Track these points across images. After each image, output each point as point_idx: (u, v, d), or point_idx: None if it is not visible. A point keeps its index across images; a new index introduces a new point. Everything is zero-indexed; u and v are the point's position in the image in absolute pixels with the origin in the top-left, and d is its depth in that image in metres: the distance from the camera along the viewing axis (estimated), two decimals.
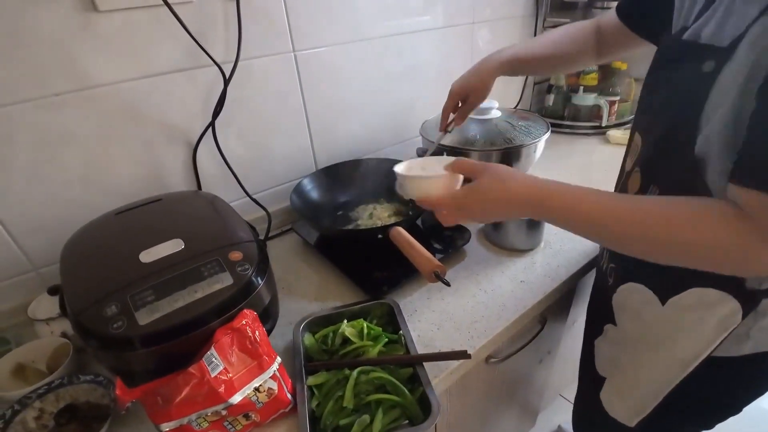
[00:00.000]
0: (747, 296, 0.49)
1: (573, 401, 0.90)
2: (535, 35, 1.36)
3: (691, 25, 0.50)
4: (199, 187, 0.86)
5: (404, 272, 0.75)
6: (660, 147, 0.53)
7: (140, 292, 0.51)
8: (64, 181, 0.72)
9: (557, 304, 0.83)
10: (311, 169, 1.02)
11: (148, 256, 0.55)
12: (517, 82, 1.41)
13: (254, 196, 0.92)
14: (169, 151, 0.81)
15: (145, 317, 0.49)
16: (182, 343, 0.50)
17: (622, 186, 0.63)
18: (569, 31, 0.78)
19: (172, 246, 0.57)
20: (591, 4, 1.29)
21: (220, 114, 0.81)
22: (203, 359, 0.49)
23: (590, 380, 0.73)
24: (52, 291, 0.69)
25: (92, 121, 0.71)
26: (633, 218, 0.44)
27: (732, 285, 0.49)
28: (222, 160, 0.85)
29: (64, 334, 0.67)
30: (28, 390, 0.58)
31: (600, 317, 0.70)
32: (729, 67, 0.42)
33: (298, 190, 0.89)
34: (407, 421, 0.54)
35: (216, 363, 0.50)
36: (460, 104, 0.82)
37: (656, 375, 0.60)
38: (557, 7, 1.34)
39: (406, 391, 0.56)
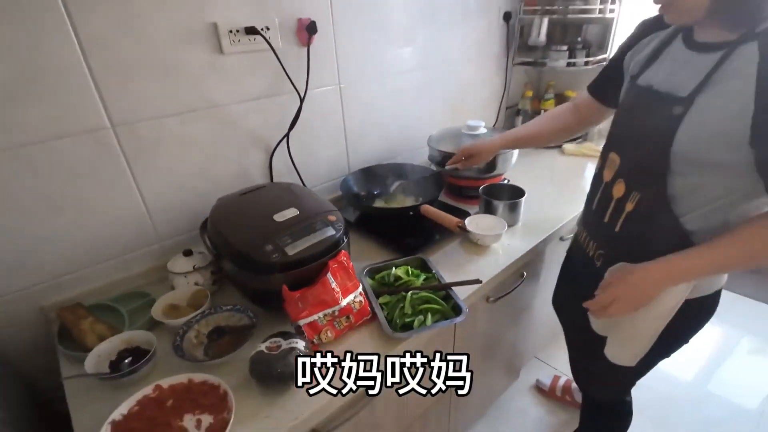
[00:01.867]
0: None
1: (549, 362, 1.20)
2: (506, 71, 1.76)
3: (640, 73, 0.77)
4: (271, 180, 1.16)
5: (426, 238, 1.08)
6: (638, 164, 0.75)
7: (283, 237, 0.81)
8: (189, 173, 1.01)
9: (531, 265, 1.18)
10: (345, 171, 1.34)
11: (279, 217, 0.85)
12: (495, 106, 1.80)
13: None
14: (255, 154, 1.11)
15: (290, 251, 0.79)
16: (310, 269, 0.80)
17: (603, 192, 0.84)
18: (553, 115, 1.09)
19: (292, 212, 0.87)
20: (547, 47, 1.69)
21: (294, 127, 1.12)
22: (327, 276, 0.80)
23: (589, 341, 0.92)
24: (186, 253, 0.96)
25: (210, 130, 1.01)
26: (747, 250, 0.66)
27: None
28: (290, 162, 1.16)
29: (196, 284, 0.95)
30: (187, 318, 0.84)
31: (589, 292, 0.81)
32: (694, 109, 0.65)
33: (345, 182, 1.21)
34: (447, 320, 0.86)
35: (331, 281, 0.81)
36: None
37: (651, 324, 0.79)
38: (523, 49, 1.75)
39: (443, 302, 0.88)
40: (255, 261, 0.78)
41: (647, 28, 0.83)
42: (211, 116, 0.99)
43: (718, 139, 0.64)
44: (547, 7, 1.57)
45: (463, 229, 0.95)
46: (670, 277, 0.72)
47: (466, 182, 1.32)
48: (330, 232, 0.85)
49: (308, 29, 1.06)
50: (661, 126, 0.70)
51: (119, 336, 0.79)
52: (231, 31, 0.95)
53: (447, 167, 1.19)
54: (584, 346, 0.99)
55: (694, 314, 0.82)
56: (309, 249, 0.81)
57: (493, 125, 1.82)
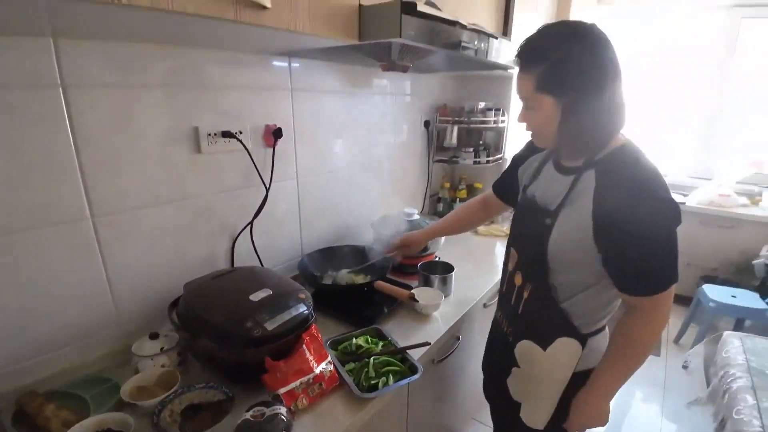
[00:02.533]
0: (582, 338, 0.91)
1: (485, 422, 1.34)
2: (428, 167, 2.12)
3: (528, 185, 1.00)
4: (233, 265, 1.25)
5: (377, 311, 1.23)
6: (529, 261, 0.94)
7: (261, 314, 0.91)
8: (159, 259, 1.07)
9: (464, 329, 1.38)
10: (299, 253, 1.47)
11: (254, 297, 0.95)
12: (421, 195, 2.12)
13: None
14: (220, 240, 1.21)
15: (270, 326, 0.89)
16: (287, 342, 0.90)
17: (509, 279, 1.03)
18: (466, 209, 1.36)
19: (265, 292, 0.98)
20: (458, 148, 2.09)
21: (257, 216, 1.25)
22: (303, 347, 0.90)
23: (508, 406, 1.06)
24: (152, 336, 0.99)
25: (183, 220, 1.10)
26: (634, 358, 0.87)
27: (575, 333, 0.91)
28: (251, 246, 1.27)
29: (163, 365, 0.97)
30: (161, 397, 0.86)
31: (506, 363, 1.03)
32: (558, 221, 0.85)
33: (302, 262, 1.34)
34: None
35: (306, 351, 0.91)
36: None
37: (549, 392, 0.97)
38: (440, 149, 2.14)
39: (401, 364, 1.02)
40: (237, 337, 0.87)
41: (533, 148, 1.08)
42: (186, 207, 1.10)
43: (574, 244, 0.84)
44: (456, 118, 1.99)
45: (413, 299, 1.13)
46: (607, 394, 0.93)
47: (405, 261, 1.53)
48: (302, 308, 0.97)
49: (274, 134, 1.26)
50: (539, 233, 0.89)
51: (92, 419, 0.79)
52: (209, 134, 1.10)
53: (387, 255, 1.41)
54: (505, 410, 1.11)
55: (584, 383, 0.96)
56: (285, 324, 0.92)
57: (421, 211, 2.12)
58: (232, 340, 0.87)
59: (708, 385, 1.79)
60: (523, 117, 0.90)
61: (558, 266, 0.90)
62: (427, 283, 1.39)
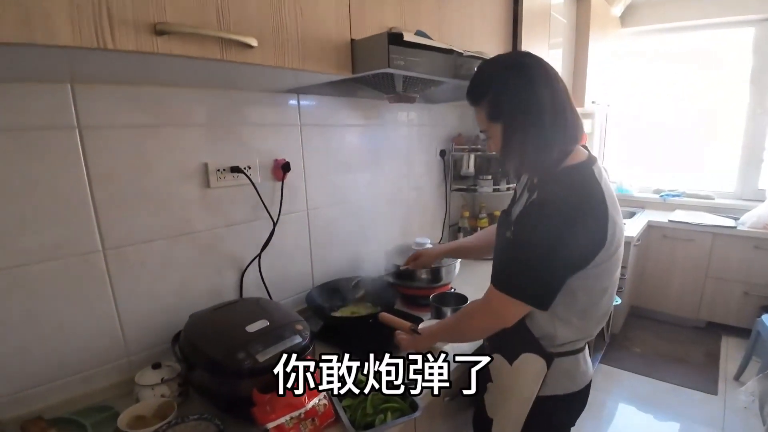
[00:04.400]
0: (547, 357, 0.91)
1: None
2: (446, 197, 2.09)
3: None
4: (241, 296, 1.27)
5: (386, 345, 1.19)
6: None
7: (255, 345, 0.90)
8: (167, 291, 1.10)
9: None
10: (309, 285, 1.47)
11: (250, 328, 0.95)
12: (439, 225, 2.09)
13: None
14: (228, 272, 1.24)
15: (261, 357, 0.88)
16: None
17: None
18: (489, 232, 1.34)
19: (262, 323, 0.97)
20: (476, 177, 2.06)
21: (266, 249, 1.28)
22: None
23: (483, 422, 1.06)
24: (155, 366, 1.01)
25: (191, 253, 1.14)
26: (458, 325, 1.01)
27: (539, 350, 0.91)
28: (259, 278, 1.29)
29: (162, 396, 0.97)
30: (155, 427, 0.87)
31: (484, 378, 1.04)
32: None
33: (310, 295, 1.33)
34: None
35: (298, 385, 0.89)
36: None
37: (516, 410, 0.96)
38: (458, 178, 2.11)
39: (401, 401, 0.96)
40: (228, 368, 0.86)
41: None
42: (194, 240, 1.14)
43: None
44: (472, 146, 1.98)
45: (416, 332, 1.09)
46: (432, 336, 1.07)
47: (418, 292, 1.49)
48: (297, 339, 0.96)
49: (283, 168, 1.30)
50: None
51: None
52: (218, 170, 1.16)
53: (401, 267, 1.40)
54: (482, 427, 1.09)
55: (554, 408, 0.96)
56: (279, 356, 0.90)
57: (439, 241, 2.08)
58: (223, 371, 0.87)
59: (764, 423, 1.55)
60: (489, 145, 0.98)
61: None
62: (438, 315, 1.34)
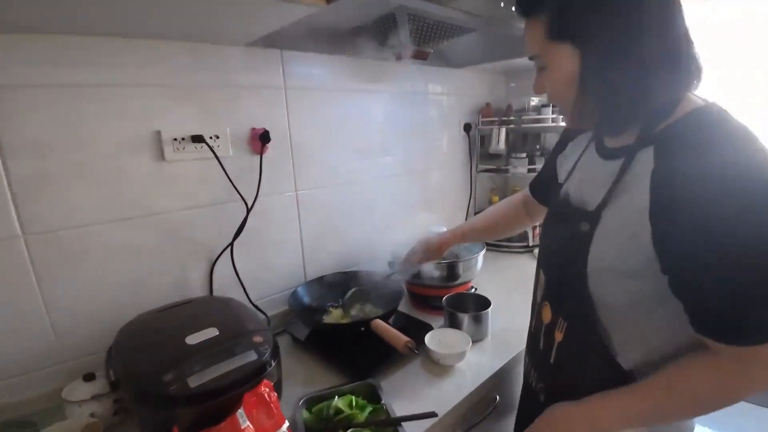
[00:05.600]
0: None
1: None
2: (471, 178, 1.79)
3: (564, 181, 0.74)
4: (211, 294, 1.05)
5: (382, 358, 0.94)
6: (559, 287, 0.68)
7: (190, 364, 0.68)
8: (115, 285, 0.91)
9: (503, 386, 1.02)
10: (302, 280, 1.24)
11: (192, 339, 0.73)
12: (462, 210, 1.79)
13: (256, 303, 1.11)
14: (195, 265, 1.03)
15: (194, 382, 0.66)
16: (218, 403, 0.66)
17: (537, 316, 0.76)
18: (503, 208, 1.06)
19: (209, 333, 0.75)
20: (509, 155, 1.74)
21: (238, 237, 1.05)
22: (236, 414, 0.65)
23: None
24: (87, 378, 0.81)
25: (146, 240, 0.93)
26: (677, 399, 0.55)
27: None
28: (233, 273, 1.07)
29: (92, 415, 0.78)
30: None
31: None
32: (601, 226, 0.59)
33: (295, 295, 1.10)
34: None
35: (242, 420, 0.66)
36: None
37: None
38: (485, 157, 1.80)
39: None
40: (150, 393, 0.64)
41: (572, 131, 0.80)
42: (147, 225, 0.93)
43: (628, 258, 0.55)
44: (503, 119, 1.66)
45: (412, 351, 0.83)
46: (593, 426, 0.60)
47: (431, 291, 1.22)
48: (251, 356, 0.72)
49: (261, 138, 1.06)
50: (573, 245, 0.63)
51: None
52: (176, 139, 0.94)
53: (398, 269, 1.14)
54: None
55: None
56: (220, 379, 0.68)
57: None
58: (143, 396, 0.65)
59: None
60: (539, 84, 0.64)
61: (605, 294, 0.60)
62: (453, 322, 1.06)
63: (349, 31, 1.01)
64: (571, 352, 0.67)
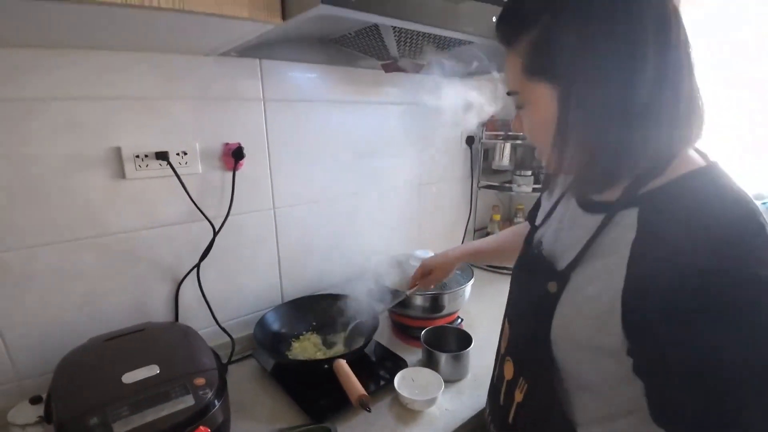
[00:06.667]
0: None
1: None
2: (471, 194, 1.69)
3: (539, 225, 0.66)
4: (177, 316, 1.01)
5: (346, 398, 0.87)
6: (522, 344, 0.62)
7: (119, 408, 0.63)
8: (66, 307, 0.87)
9: None
10: (278, 301, 1.18)
11: (129, 377, 0.68)
12: (460, 228, 1.70)
13: (223, 325, 1.06)
14: (157, 286, 0.98)
15: (119, 428, 0.60)
16: None
17: (499, 368, 0.68)
18: (518, 230, 1.00)
19: (149, 371, 0.70)
20: (513, 172, 1.64)
21: (206, 258, 1.00)
22: None
23: None
24: (34, 400, 0.78)
25: (100, 260, 0.89)
26: None
27: None
28: (200, 294, 1.02)
29: None
30: None
31: None
32: (570, 291, 0.51)
33: (262, 323, 1.04)
34: None
35: None
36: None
37: None
38: (488, 172, 1.70)
39: None
40: None
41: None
42: (103, 245, 0.89)
43: (595, 329, 0.47)
44: (509, 133, 1.55)
45: (365, 408, 0.75)
46: None
47: (413, 322, 1.14)
48: (188, 401, 0.67)
49: (234, 154, 1.01)
50: (538, 303, 0.55)
51: None
52: (138, 156, 0.89)
53: (408, 293, 1.06)
54: None
55: None
56: (149, 426, 0.62)
57: None
58: None
59: None
60: (517, 122, 0.58)
61: (570, 364, 0.53)
62: (429, 360, 0.98)
63: (334, 41, 0.94)
64: (530, 417, 0.60)
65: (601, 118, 0.45)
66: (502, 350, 0.69)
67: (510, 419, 0.63)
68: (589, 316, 0.48)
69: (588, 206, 0.55)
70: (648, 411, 0.45)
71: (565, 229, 0.58)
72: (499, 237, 1.04)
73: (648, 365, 0.44)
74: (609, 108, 0.45)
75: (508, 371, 0.64)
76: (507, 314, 0.70)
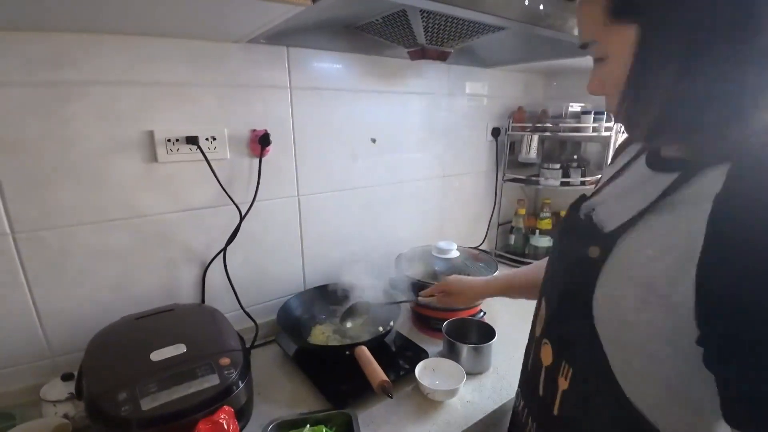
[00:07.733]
0: None
1: None
2: (495, 188, 1.66)
3: (591, 195, 0.59)
4: (203, 299, 1.03)
5: (366, 385, 0.87)
6: (561, 324, 0.55)
7: (147, 384, 0.65)
8: (100, 286, 0.90)
9: (500, 428, 0.92)
10: (301, 287, 1.20)
11: (157, 355, 0.70)
12: (483, 222, 1.67)
13: (247, 309, 1.08)
14: (186, 268, 1.00)
15: (147, 404, 0.62)
16: (172, 429, 0.62)
17: (534, 351, 0.62)
18: None
19: (176, 349, 0.72)
20: (540, 165, 1.59)
21: (232, 242, 1.02)
22: None
23: None
24: (65, 377, 0.81)
25: (133, 241, 0.92)
26: None
27: None
28: (226, 279, 1.04)
29: (65, 416, 0.78)
30: None
31: None
32: (615, 255, 0.46)
33: (285, 308, 1.06)
34: None
35: None
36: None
37: None
38: (514, 165, 1.66)
39: None
40: (102, 411, 0.62)
41: (625, 142, 0.64)
42: (136, 227, 0.92)
43: (652, 296, 0.41)
44: (536, 124, 1.51)
45: (387, 394, 0.75)
46: None
47: (434, 313, 1.13)
48: (213, 381, 0.68)
49: (261, 141, 1.02)
50: (576, 272, 0.50)
51: None
52: (169, 140, 0.91)
53: (419, 299, 1.04)
54: None
55: None
56: (174, 403, 0.64)
57: (479, 245, 1.66)
58: (97, 413, 0.63)
59: None
60: (596, 80, 0.50)
61: (616, 349, 0.46)
62: (451, 351, 0.98)
63: (360, 28, 0.94)
64: (582, 405, 0.52)
65: (697, 58, 0.40)
66: (537, 333, 0.62)
67: (555, 410, 0.56)
68: (642, 283, 0.42)
69: (659, 164, 0.49)
70: (720, 409, 0.39)
71: (622, 193, 0.51)
72: (537, 267, 0.90)
73: (729, 351, 0.37)
74: (708, 48, 0.39)
75: (546, 356, 0.58)
76: (543, 291, 0.63)
